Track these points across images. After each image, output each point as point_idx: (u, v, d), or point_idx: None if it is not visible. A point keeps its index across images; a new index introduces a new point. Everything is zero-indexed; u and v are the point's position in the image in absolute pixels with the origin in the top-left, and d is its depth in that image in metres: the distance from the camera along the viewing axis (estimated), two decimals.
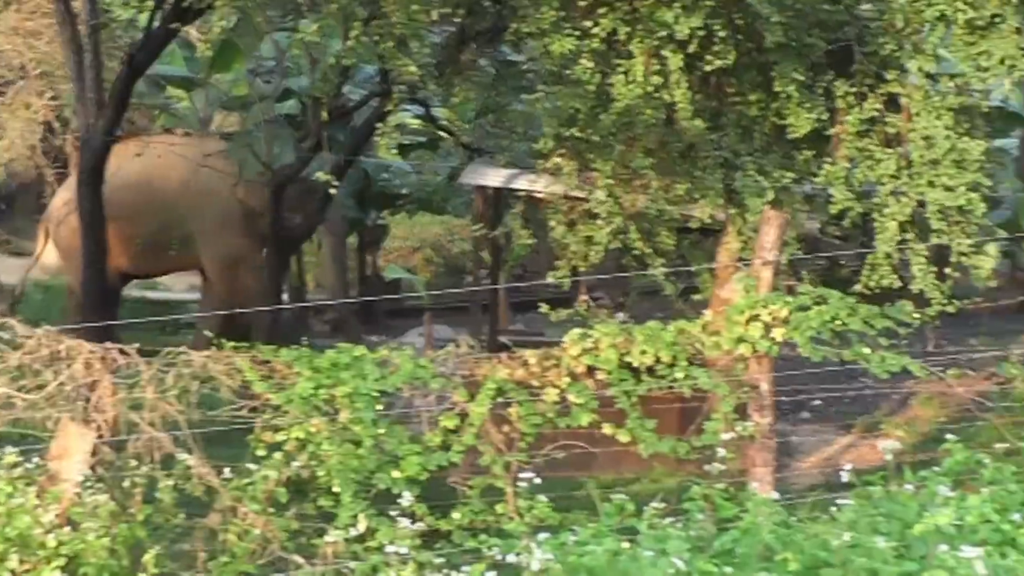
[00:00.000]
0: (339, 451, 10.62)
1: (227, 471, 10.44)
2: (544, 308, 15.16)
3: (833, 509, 7.74)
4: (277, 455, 10.57)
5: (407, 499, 9.44)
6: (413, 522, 9.26)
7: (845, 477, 7.82)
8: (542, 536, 7.46)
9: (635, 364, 11.37)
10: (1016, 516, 7.05)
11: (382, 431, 10.88)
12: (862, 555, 6.76)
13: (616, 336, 11.37)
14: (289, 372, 10.96)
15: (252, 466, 10.50)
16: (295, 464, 10.55)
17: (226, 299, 21.73)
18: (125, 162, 21.61)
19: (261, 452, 10.63)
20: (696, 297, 16.52)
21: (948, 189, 14.22)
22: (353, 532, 10.00)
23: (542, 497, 10.55)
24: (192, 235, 22.53)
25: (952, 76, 14.74)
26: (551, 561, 7.00)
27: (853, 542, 6.89)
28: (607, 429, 11.31)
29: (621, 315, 22.01)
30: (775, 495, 10.36)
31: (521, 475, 8.57)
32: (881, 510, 7.46)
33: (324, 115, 17.70)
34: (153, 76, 22.94)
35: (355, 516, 10.35)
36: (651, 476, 15.72)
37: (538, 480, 9.05)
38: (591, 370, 11.39)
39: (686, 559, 6.78)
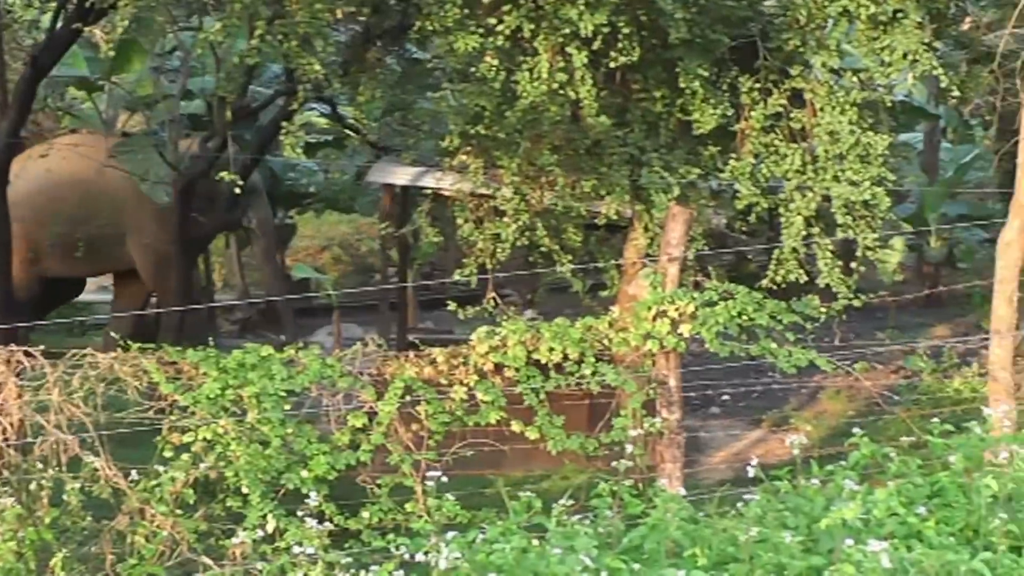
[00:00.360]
0: (247, 451, 10.56)
1: (134, 473, 10.36)
2: (452, 306, 15.14)
3: (741, 504, 7.75)
4: (185, 456, 10.50)
5: (315, 499, 9.35)
6: (321, 522, 9.19)
7: (752, 472, 7.83)
8: (450, 535, 7.42)
9: (543, 361, 11.37)
10: (922, 509, 7.10)
11: (290, 431, 10.83)
12: (769, 550, 6.78)
13: (524, 333, 11.36)
14: (196, 373, 10.87)
15: (160, 468, 10.43)
16: (203, 465, 10.49)
17: (160, 299, 21.81)
18: (53, 163, 21.54)
19: (169, 453, 10.55)
20: (604, 294, 16.58)
21: (853, 184, 14.33)
22: (262, 533, 9.94)
23: (450, 496, 10.52)
24: (121, 236, 22.33)
25: (856, 71, 14.85)
26: (459, 560, 6.97)
27: (760, 537, 6.90)
28: (516, 426, 11.30)
29: (529, 312, 22.10)
30: (683, 491, 10.40)
31: (430, 474, 8.53)
32: (788, 505, 7.49)
33: (229, 115, 17.53)
34: (54, 77, 22.65)
35: (264, 516, 10.29)
36: (561, 473, 15.74)
37: (446, 479, 9.00)
38: (499, 367, 11.37)
39: (594, 556, 6.77)
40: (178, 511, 10.29)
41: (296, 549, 7.79)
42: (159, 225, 21.42)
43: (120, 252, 22.65)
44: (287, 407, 10.85)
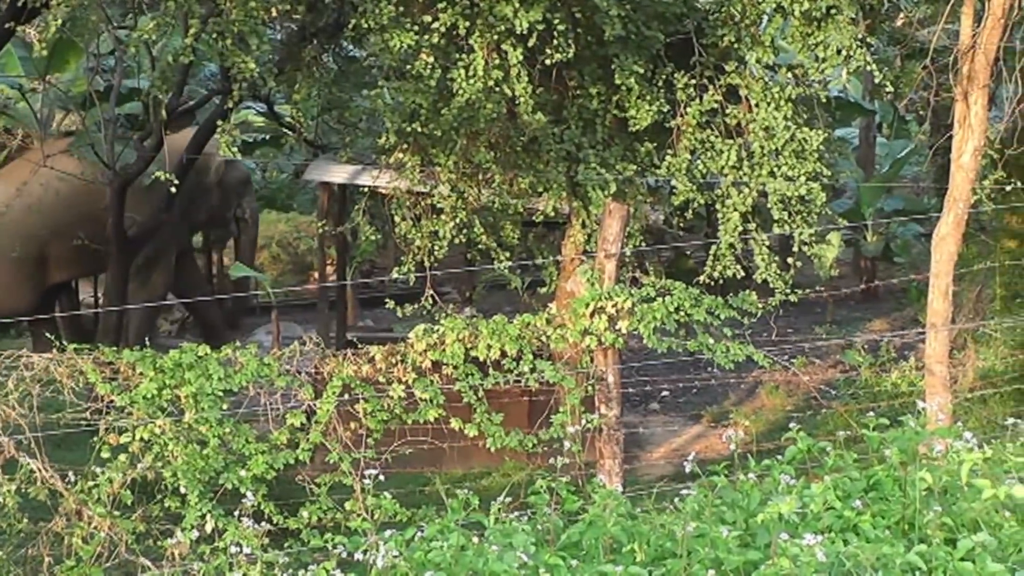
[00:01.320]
0: (185, 451, 10.51)
1: (71, 474, 10.29)
2: (390, 304, 15.10)
3: (678, 500, 7.78)
4: (122, 457, 10.44)
5: (254, 499, 9.31)
6: (260, 522, 9.15)
7: (688, 467, 7.86)
8: (388, 533, 7.41)
9: (481, 358, 11.37)
10: (858, 503, 7.14)
11: (228, 430, 10.80)
12: (706, 545, 6.81)
13: (462, 331, 11.36)
14: (133, 373, 10.80)
15: (97, 469, 10.36)
16: (140, 466, 10.43)
17: (137, 297, 21.96)
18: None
19: (106, 454, 10.48)
20: (542, 291, 16.59)
21: (789, 179, 14.40)
22: (200, 533, 9.89)
23: (388, 494, 10.51)
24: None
25: (791, 67, 14.93)
26: (397, 558, 6.96)
27: (698, 532, 6.93)
28: (454, 424, 11.30)
29: (468, 310, 22.07)
30: (621, 487, 10.43)
31: (369, 472, 8.51)
32: (725, 500, 7.51)
33: (164, 114, 17.41)
34: None
35: (202, 517, 10.25)
36: (501, 471, 15.77)
37: (386, 477, 8.98)
38: (437, 365, 11.37)
39: (532, 553, 6.77)
40: (116, 512, 10.23)
41: (234, 549, 7.73)
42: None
43: None
44: (225, 407, 10.81)
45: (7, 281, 22.20)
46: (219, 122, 14.11)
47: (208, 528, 9.94)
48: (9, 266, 22.24)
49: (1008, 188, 14.76)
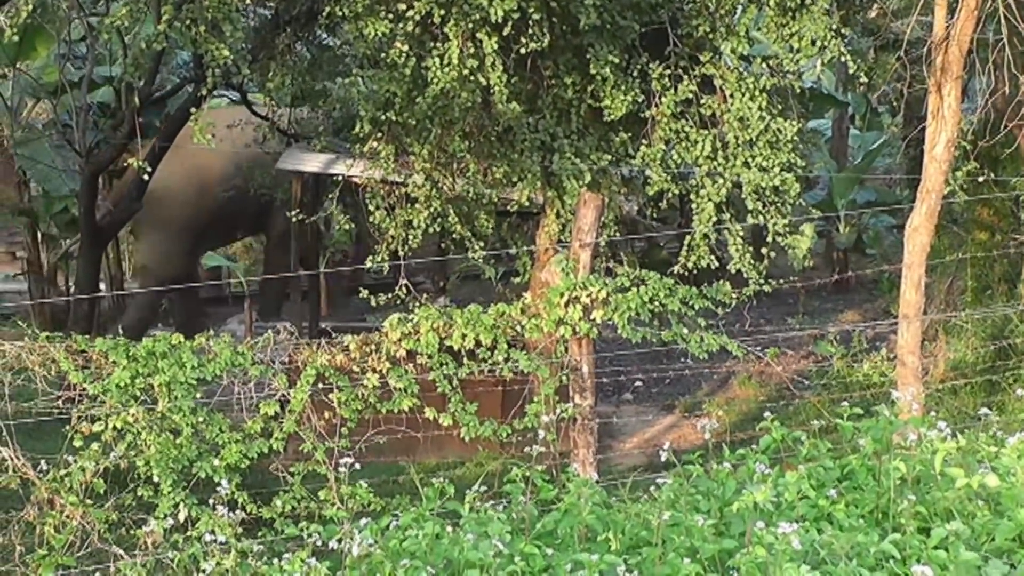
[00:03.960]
0: (158, 441, 10.50)
1: (43, 463, 10.25)
2: (364, 294, 15.08)
3: (653, 489, 7.79)
4: (95, 446, 10.41)
5: (227, 487, 9.28)
6: (234, 510, 9.13)
7: (664, 457, 7.86)
8: (363, 522, 7.40)
9: (456, 348, 11.37)
10: (832, 492, 7.16)
11: (201, 419, 10.79)
12: (681, 534, 6.82)
13: (436, 320, 11.36)
14: (106, 362, 10.77)
15: (69, 458, 10.33)
16: (113, 454, 10.40)
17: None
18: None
19: (78, 443, 10.45)
20: (517, 280, 16.59)
21: (763, 170, 14.42)
22: (173, 522, 9.88)
23: (362, 483, 10.50)
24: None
25: (765, 58, 14.95)
26: (372, 546, 6.95)
27: (673, 521, 6.93)
28: (429, 413, 11.30)
29: (442, 299, 22.06)
30: (596, 476, 10.44)
31: (343, 461, 8.50)
32: (700, 489, 7.53)
33: (136, 101, 17.33)
34: None
35: (175, 506, 10.24)
36: (476, 460, 15.76)
37: (361, 466, 8.97)
38: (412, 355, 11.37)
39: (507, 542, 6.77)
40: (88, 501, 10.21)
41: (208, 538, 7.71)
42: None
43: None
44: (198, 396, 10.79)
45: (175, 250, 23.69)
46: (192, 110, 14.04)
47: (181, 517, 9.93)
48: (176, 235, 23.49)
49: (980, 180, 14.83)
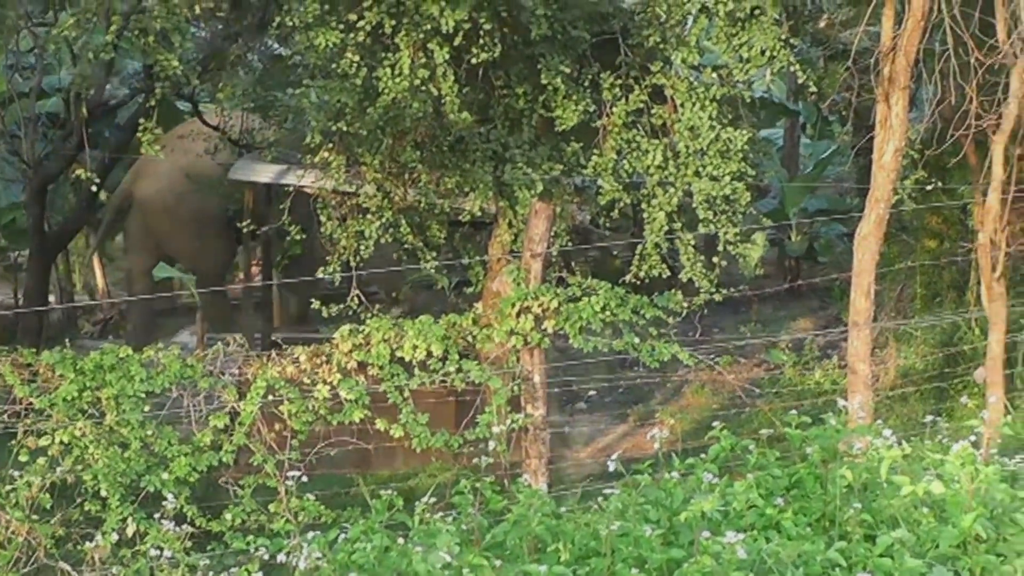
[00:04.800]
0: (106, 454, 10.44)
1: None
2: (316, 304, 15.02)
3: (601, 499, 7.79)
4: (41, 460, 10.33)
5: (175, 501, 9.24)
6: (179, 525, 9.08)
7: (612, 467, 7.86)
8: (311, 534, 7.37)
9: (407, 358, 11.35)
10: (780, 500, 7.17)
11: (150, 433, 10.72)
12: (630, 544, 6.81)
13: (387, 331, 11.34)
14: (52, 375, 10.70)
15: (15, 472, 10.24)
16: (60, 469, 10.33)
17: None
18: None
19: (24, 458, 10.37)
20: (469, 290, 16.57)
21: (714, 179, 14.46)
22: (119, 536, 9.82)
23: (310, 496, 10.47)
24: None
25: (716, 67, 14.98)
26: (320, 560, 6.92)
27: (622, 531, 6.93)
28: (380, 424, 11.27)
29: (395, 310, 22.03)
30: (546, 486, 10.45)
31: (293, 473, 8.46)
32: (649, 498, 7.52)
33: (85, 112, 17.24)
34: None
35: (123, 520, 10.17)
36: (429, 471, 15.73)
37: (313, 479, 8.95)
38: (363, 366, 11.34)
39: (456, 553, 6.75)
40: (34, 516, 10.13)
41: (154, 553, 7.67)
42: None
43: None
44: (147, 408, 10.73)
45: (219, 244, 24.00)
46: (141, 121, 13.96)
47: (130, 532, 9.87)
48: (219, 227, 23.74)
49: (929, 188, 14.91)
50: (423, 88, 13.53)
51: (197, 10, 13.71)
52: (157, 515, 9.66)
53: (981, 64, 11.77)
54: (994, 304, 12.20)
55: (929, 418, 8.56)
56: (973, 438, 7.69)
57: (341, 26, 13.42)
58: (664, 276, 14.84)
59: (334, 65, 13.74)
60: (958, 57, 11.72)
